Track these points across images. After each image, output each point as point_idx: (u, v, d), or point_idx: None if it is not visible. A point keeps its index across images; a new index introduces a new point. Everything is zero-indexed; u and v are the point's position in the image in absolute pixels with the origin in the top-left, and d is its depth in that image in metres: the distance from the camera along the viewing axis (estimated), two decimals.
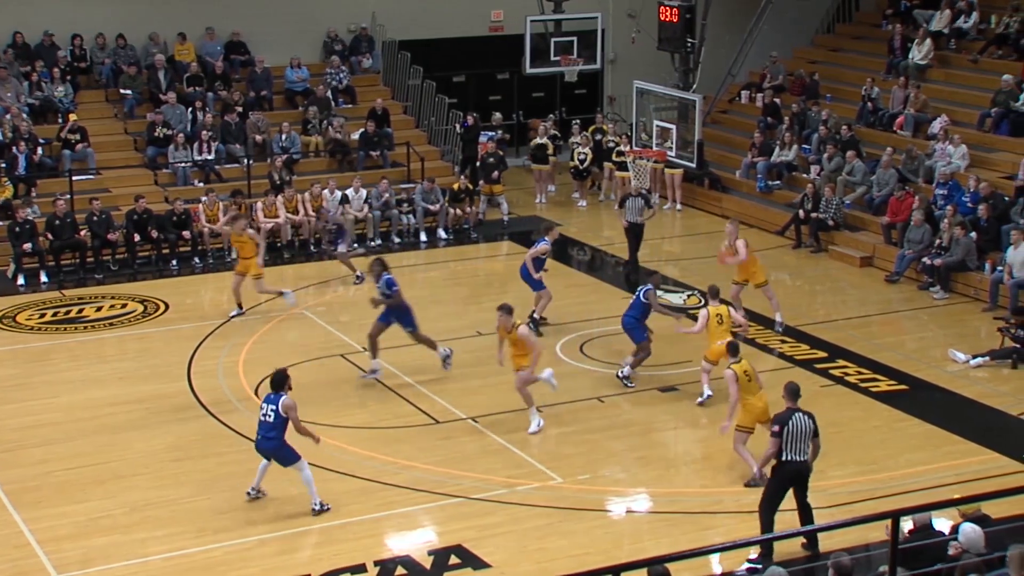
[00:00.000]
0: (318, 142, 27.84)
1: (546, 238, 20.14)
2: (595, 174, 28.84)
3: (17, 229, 23.20)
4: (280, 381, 14.45)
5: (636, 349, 18.01)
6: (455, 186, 26.46)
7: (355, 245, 24.37)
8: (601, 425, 16.94)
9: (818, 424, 13.40)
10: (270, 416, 14.27)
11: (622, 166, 27.66)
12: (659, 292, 18.63)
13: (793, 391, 13.57)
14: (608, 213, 27.42)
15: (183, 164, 26.38)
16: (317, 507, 14.41)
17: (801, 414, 13.29)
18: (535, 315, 20.17)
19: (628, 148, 27.30)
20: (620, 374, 18.07)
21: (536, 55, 28.36)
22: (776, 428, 13.22)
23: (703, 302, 21.07)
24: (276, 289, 21.30)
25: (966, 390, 18.06)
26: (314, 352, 19.42)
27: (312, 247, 24.95)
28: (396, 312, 18.32)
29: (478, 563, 13.44)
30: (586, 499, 14.85)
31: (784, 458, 13.17)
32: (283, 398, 14.27)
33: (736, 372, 15.06)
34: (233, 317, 20.92)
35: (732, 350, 15.51)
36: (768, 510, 13.23)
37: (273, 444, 14.34)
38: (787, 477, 13.24)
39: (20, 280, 22.92)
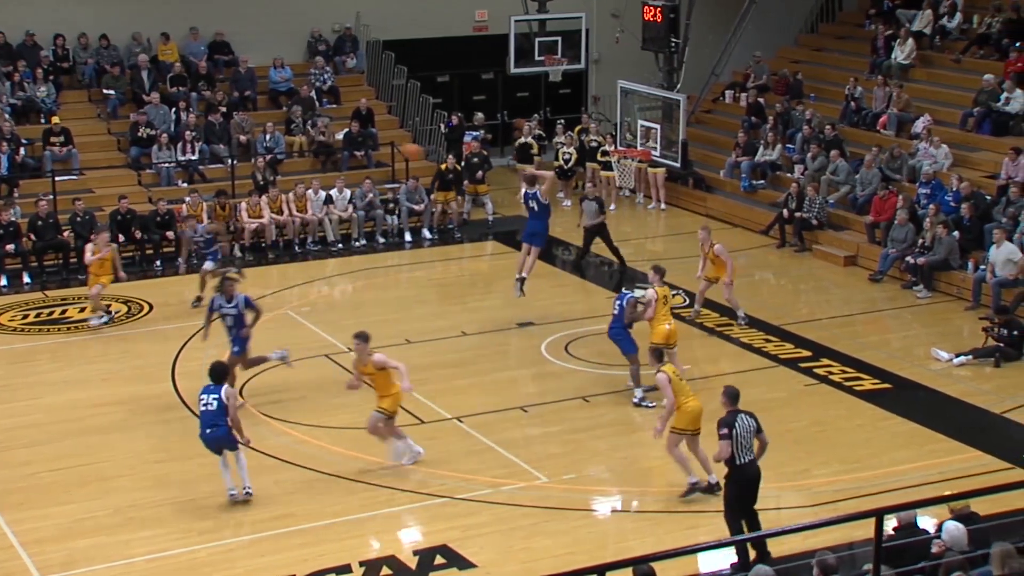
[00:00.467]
0: (302, 142, 27.80)
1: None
2: (579, 174, 28.85)
3: (0, 231, 23.12)
4: (221, 373, 14.76)
5: (629, 365, 17.32)
6: (443, 167, 26.42)
7: (225, 262, 22.22)
8: (586, 425, 16.94)
9: (760, 422, 13.23)
10: (212, 405, 14.44)
11: (607, 166, 27.70)
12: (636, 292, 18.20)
13: (732, 395, 13.29)
14: None
15: (167, 164, 26.31)
16: (247, 490, 14.63)
17: (744, 415, 13.13)
18: (523, 274, 20.25)
19: (612, 148, 27.32)
20: (635, 400, 17.35)
21: (520, 55, 28.32)
22: (725, 431, 12.96)
23: (686, 302, 21.14)
24: (104, 308, 20.91)
25: (949, 388, 18.11)
26: (298, 352, 19.29)
27: (193, 258, 22.83)
28: (241, 336, 17.36)
29: (463, 563, 13.44)
30: (571, 499, 14.85)
31: (736, 462, 13.02)
32: (225, 386, 14.56)
33: (668, 374, 14.64)
34: (95, 323, 20.76)
35: (656, 356, 15.24)
36: (734, 519, 13.15)
37: (222, 431, 14.48)
38: (743, 480, 13.09)
39: (2, 281, 22.83)
